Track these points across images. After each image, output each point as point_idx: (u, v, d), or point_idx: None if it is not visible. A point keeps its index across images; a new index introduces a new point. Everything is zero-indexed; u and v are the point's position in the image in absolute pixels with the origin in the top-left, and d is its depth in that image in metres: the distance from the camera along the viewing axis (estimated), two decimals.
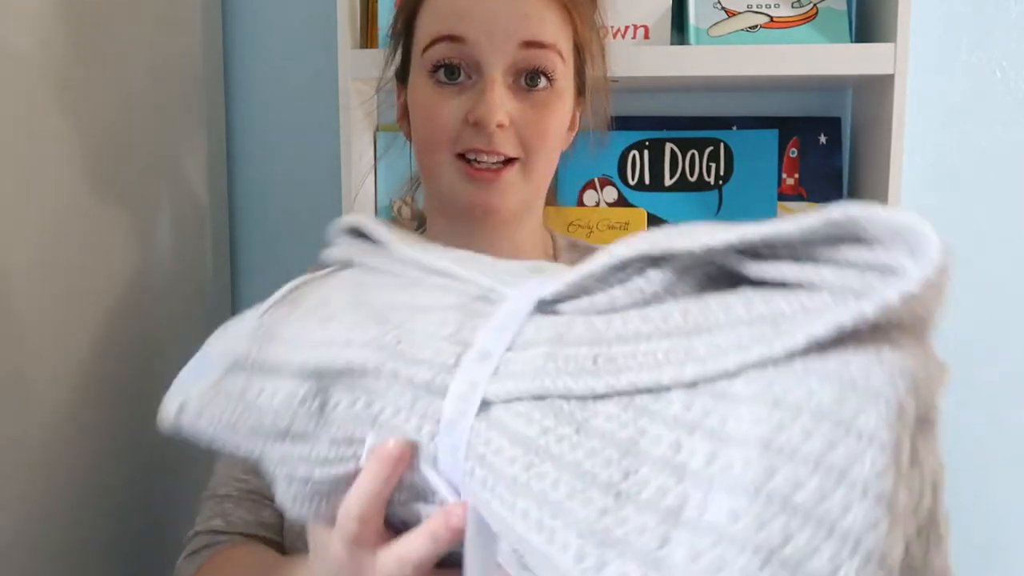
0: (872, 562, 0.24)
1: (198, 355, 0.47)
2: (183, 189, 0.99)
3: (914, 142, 1.01)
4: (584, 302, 0.34)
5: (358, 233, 0.48)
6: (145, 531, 0.89)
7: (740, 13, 0.95)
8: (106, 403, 0.82)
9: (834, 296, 0.28)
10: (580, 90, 0.69)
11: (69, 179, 0.77)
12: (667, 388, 0.29)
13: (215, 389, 0.43)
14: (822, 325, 0.26)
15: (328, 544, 0.41)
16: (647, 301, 0.33)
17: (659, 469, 0.28)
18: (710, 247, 0.30)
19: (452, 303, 0.38)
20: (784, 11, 0.95)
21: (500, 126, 0.61)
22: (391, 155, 0.99)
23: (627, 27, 0.94)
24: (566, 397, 0.31)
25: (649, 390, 0.30)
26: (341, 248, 0.48)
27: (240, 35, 1.09)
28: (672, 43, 0.96)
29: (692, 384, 0.29)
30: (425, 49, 0.63)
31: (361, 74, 0.91)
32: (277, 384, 0.40)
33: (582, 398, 0.31)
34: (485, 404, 0.33)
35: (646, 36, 0.95)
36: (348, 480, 0.39)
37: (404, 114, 0.71)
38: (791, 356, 0.27)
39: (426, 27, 0.64)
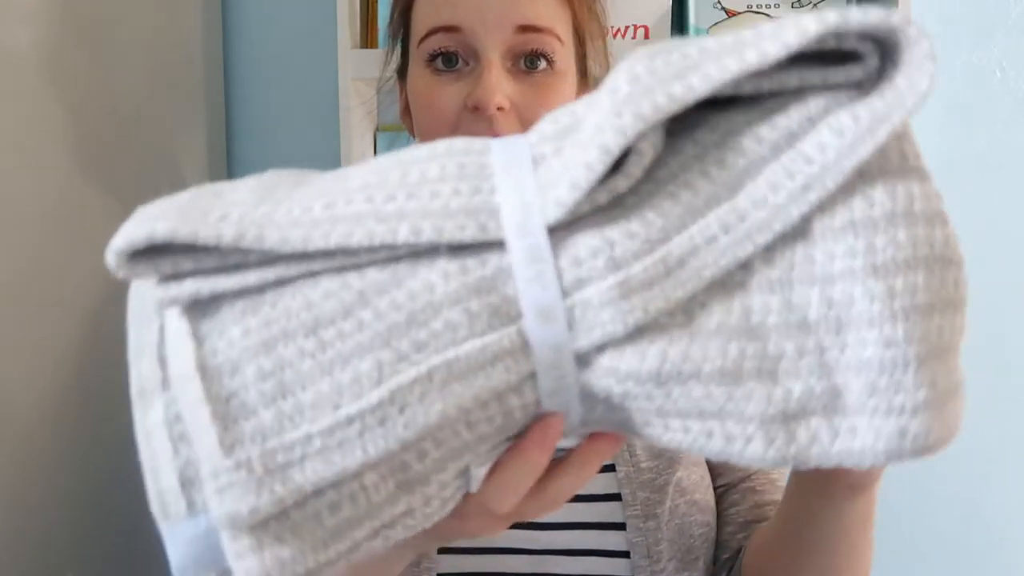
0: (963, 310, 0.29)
1: None
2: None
3: None
4: (585, 205, 0.30)
5: (152, 251, 0.33)
6: (128, 530, 0.89)
7: (740, 13, 0.95)
8: (101, 402, 0.82)
9: (826, 96, 0.30)
10: (584, 74, 0.68)
11: (67, 179, 0.77)
12: (743, 262, 0.30)
13: None
14: (882, 131, 0.28)
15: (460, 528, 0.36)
16: (647, 176, 0.31)
17: (785, 334, 0.29)
18: (706, 89, 0.29)
19: (453, 287, 0.30)
20: (784, 11, 0.95)
21: (500, 109, 0.60)
22: None
23: (627, 27, 0.94)
24: (659, 317, 0.30)
25: (728, 270, 0.30)
26: (155, 283, 0.34)
27: (240, 35, 1.09)
28: None
29: (767, 248, 0.29)
30: (421, 41, 0.63)
31: (361, 74, 0.91)
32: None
33: (672, 311, 0.30)
34: (580, 360, 0.31)
35: (646, 36, 0.95)
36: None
37: (407, 110, 0.71)
38: (844, 182, 0.29)
39: (421, 19, 0.63)
